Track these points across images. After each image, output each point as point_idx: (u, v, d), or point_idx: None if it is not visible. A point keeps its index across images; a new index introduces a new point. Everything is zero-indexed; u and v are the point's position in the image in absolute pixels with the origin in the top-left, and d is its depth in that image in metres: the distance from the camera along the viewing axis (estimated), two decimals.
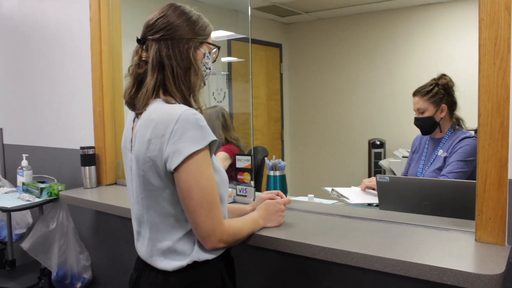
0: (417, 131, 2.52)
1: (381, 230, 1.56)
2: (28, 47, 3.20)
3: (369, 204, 2.32)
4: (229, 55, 4.81)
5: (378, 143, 5.47)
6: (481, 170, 1.37)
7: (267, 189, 2.11)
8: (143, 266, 1.38)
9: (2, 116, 3.50)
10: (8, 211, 2.51)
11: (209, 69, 1.43)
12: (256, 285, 1.90)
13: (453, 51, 5.06)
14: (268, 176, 2.12)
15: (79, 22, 2.76)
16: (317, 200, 2.45)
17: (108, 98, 2.69)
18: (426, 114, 2.39)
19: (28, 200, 2.57)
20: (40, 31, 3.07)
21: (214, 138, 1.25)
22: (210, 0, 3.97)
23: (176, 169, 1.21)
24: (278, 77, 6.29)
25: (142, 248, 1.37)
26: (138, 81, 1.34)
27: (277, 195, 1.65)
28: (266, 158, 2.17)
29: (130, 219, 1.45)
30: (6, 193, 2.84)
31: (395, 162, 4.74)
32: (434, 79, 2.44)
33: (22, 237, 3.01)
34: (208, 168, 1.24)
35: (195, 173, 1.21)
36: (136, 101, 1.33)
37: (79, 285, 2.66)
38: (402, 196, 1.98)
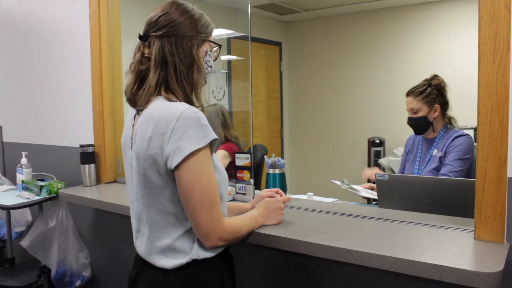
0: (412, 131, 2.53)
1: (381, 228, 1.57)
2: (27, 46, 3.20)
3: (371, 201, 2.33)
4: (229, 53, 4.81)
5: (377, 141, 5.47)
6: (480, 168, 1.37)
7: (267, 187, 2.11)
8: (142, 264, 1.38)
9: (1, 114, 3.50)
10: (7, 209, 2.51)
11: (211, 67, 1.43)
12: (255, 283, 1.90)
13: (453, 49, 5.06)
14: (268, 174, 2.12)
15: (79, 21, 2.75)
16: (316, 198, 2.45)
17: (108, 96, 2.69)
18: (420, 114, 2.42)
19: (27, 198, 2.57)
20: (40, 30, 3.07)
21: (215, 136, 1.25)
22: None
23: (177, 167, 1.21)
24: (277, 75, 6.29)
25: (141, 246, 1.37)
26: (140, 78, 1.34)
27: (277, 193, 1.66)
28: (265, 156, 2.17)
29: (129, 217, 1.45)
30: (5, 191, 2.84)
31: (395, 160, 4.74)
32: (427, 80, 2.47)
33: (21, 235, 3.01)
34: (209, 166, 1.24)
35: (196, 172, 1.21)
36: (137, 98, 1.33)
37: (78, 283, 2.66)
38: (402, 194, 1.99)
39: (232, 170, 2.18)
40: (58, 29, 2.94)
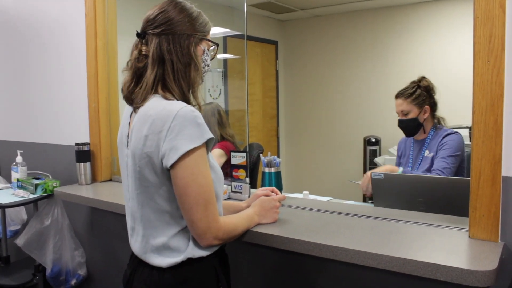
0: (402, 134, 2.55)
1: (376, 226, 1.57)
2: (22, 43, 3.19)
3: (367, 200, 2.34)
4: (225, 52, 4.80)
5: (373, 140, 5.48)
6: (475, 167, 1.38)
7: (262, 185, 2.11)
8: (137, 263, 1.37)
9: None
10: (2, 207, 2.51)
11: (208, 66, 1.43)
12: (250, 281, 1.91)
13: (448, 49, 5.07)
14: (263, 173, 2.12)
15: (74, 18, 2.75)
16: (312, 197, 2.45)
17: (103, 94, 2.68)
18: (410, 116, 2.43)
19: (22, 197, 2.56)
20: (35, 27, 3.06)
21: (211, 135, 1.25)
22: None
23: (173, 166, 1.21)
24: (273, 74, 6.29)
25: (136, 244, 1.37)
26: (137, 75, 1.34)
27: (272, 192, 1.66)
28: (261, 155, 2.17)
29: (125, 216, 1.45)
30: (0, 189, 2.83)
31: (390, 159, 4.75)
32: (415, 82, 2.48)
33: (16, 233, 3.00)
34: (204, 165, 1.24)
35: (192, 171, 1.21)
36: (134, 95, 1.33)
37: (74, 281, 2.66)
38: (397, 193, 1.99)
39: (228, 168, 2.18)
40: (53, 27, 2.94)
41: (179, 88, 1.31)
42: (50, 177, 2.84)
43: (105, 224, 2.63)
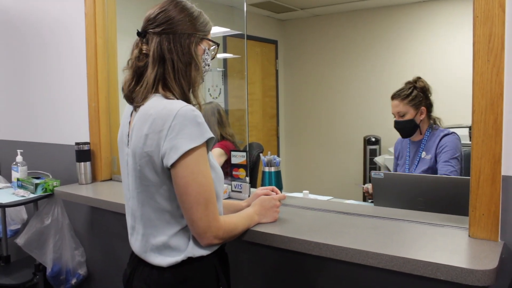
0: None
1: (376, 226, 1.57)
2: (22, 42, 3.19)
3: (367, 199, 2.34)
4: (225, 51, 4.80)
5: (373, 139, 5.48)
6: (475, 167, 1.38)
7: (262, 185, 2.12)
8: (137, 262, 1.37)
9: None
10: (2, 206, 2.51)
11: (208, 65, 1.43)
12: (251, 280, 1.91)
13: (448, 48, 5.07)
14: (263, 172, 2.12)
15: (74, 17, 2.74)
16: (312, 196, 2.46)
17: (103, 93, 2.68)
18: (407, 117, 2.42)
19: (23, 196, 2.56)
20: (35, 26, 3.06)
21: (212, 135, 1.25)
22: None
23: (173, 165, 1.21)
24: (273, 74, 6.29)
25: (136, 243, 1.37)
26: (137, 74, 1.34)
27: (272, 191, 1.66)
28: (261, 154, 2.17)
29: (125, 215, 1.45)
30: (0, 188, 2.83)
31: (390, 158, 4.75)
32: (411, 82, 2.47)
33: (16, 233, 3.00)
34: (205, 165, 1.24)
35: (192, 170, 1.21)
36: (135, 94, 1.33)
37: (74, 281, 2.66)
38: (397, 192, 1.99)
39: (228, 168, 2.18)
40: (53, 26, 2.93)
41: (179, 88, 1.31)
42: (50, 177, 2.85)
43: (105, 224, 2.63)
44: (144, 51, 1.32)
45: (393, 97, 2.47)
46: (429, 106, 2.45)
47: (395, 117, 2.48)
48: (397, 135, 2.57)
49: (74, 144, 2.64)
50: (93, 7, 2.63)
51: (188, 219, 1.25)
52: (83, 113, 2.74)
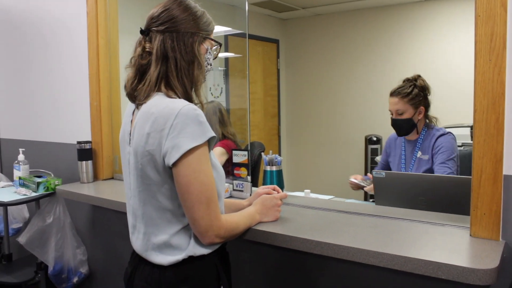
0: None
1: (377, 225, 1.57)
2: (24, 42, 3.19)
3: (368, 198, 2.34)
4: (226, 50, 4.80)
5: (374, 139, 5.48)
6: (476, 166, 1.38)
7: (264, 184, 2.12)
8: (138, 261, 1.38)
9: None
10: (4, 205, 2.52)
11: (210, 65, 1.44)
12: (252, 280, 1.91)
13: (449, 47, 5.06)
14: (265, 171, 2.12)
15: (76, 17, 2.75)
16: (313, 195, 2.46)
17: (105, 92, 2.68)
18: (405, 116, 2.38)
19: (24, 195, 2.57)
20: (37, 26, 3.06)
21: (213, 134, 1.26)
22: None
23: (175, 164, 1.21)
24: (275, 73, 6.28)
25: (137, 242, 1.37)
26: (140, 72, 1.34)
27: (274, 190, 1.66)
28: (262, 153, 2.17)
29: (126, 214, 1.45)
30: (2, 187, 2.83)
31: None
32: (410, 80, 2.43)
33: (18, 231, 3.01)
34: (206, 163, 1.25)
35: (194, 169, 1.21)
36: (137, 92, 1.33)
37: (75, 279, 2.66)
38: (398, 192, 1.99)
39: (230, 167, 2.18)
40: (55, 26, 2.94)
41: (182, 86, 1.31)
42: (52, 175, 2.85)
43: (107, 222, 2.63)
44: (147, 49, 1.32)
45: (393, 94, 2.43)
46: (427, 106, 2.43)
47: (392, 114, 2.44)
48: None
49: (76, 143, 2.64)
50: (94, 6, 2.63)
51: (190, 218, 1.26)
52: (85, 112, 2.74)
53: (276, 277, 1.84)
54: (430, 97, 2.44)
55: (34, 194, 2.58)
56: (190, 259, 1.30)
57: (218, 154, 2.71)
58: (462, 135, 3.87)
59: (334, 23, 5.92)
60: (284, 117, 6.46)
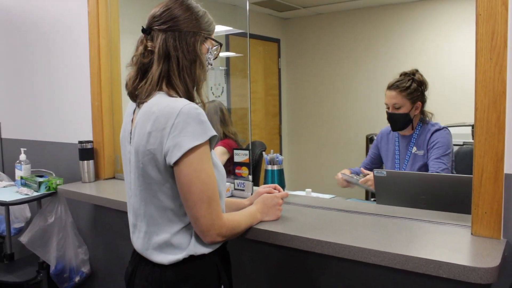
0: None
1: (378, 224, 1.57)
2: (26, 42, 3.20)
3: (369, 197, 2.33)
4: (227, 50, 4.80)
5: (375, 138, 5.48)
6: (477, 165, 1.38)
7: (265, 183, 2.12)
8: (139, 260, 1.38)
9: (0, 111, 3.50)
10: (6, 205, 2.52)
11: (211, 64, 1.44)
12: (253, 279, 1.91)
13: (451, 46, 5.06)
14: (266, 171, 2.13)
15: (77, 17, 2.75)
16: (314, 194, 2.46)
17: (106, 92, 2.69)
18: (402, 111, 2.34)
19: (26, 194, 2.57)
20: (38, 26, 3.07)
21: (215, 133, 1.26)
22: None
23: (176, 163, 1.21)
24: (276, 72, 6.28)
25: (138, 241, 1.38)
26: (142, 71, 1.34)
27: (275, 189, 1.66)
28: (264, 153, 2.17)
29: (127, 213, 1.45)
30: (4, 187, 2.84)
31: None
32: (408, 74, 2.38)
33: (20, 231, 3.01)
34: (208, 162, 1.25)
35: (196, 168, 1.22)
36: (138, 91, 1.33)
37: (77, 279, 2.67)
38: (399, 191, 1.99)
39: (231, 166, 2.19)
40: (56, 26, 2.94)
41: (183, 85, 1.31)
42: (54, 175, 2.86)
43: (108, 222, 2.64)
44: (149, 48, 1.32)
45: (391, 87, 2.37)
46: (424, 102, 2.39)
47: (388, 107, 2.40)
48: None
49: (77, 142, 2.65)
50: (96, 6, 2.63)
51: (191, 216, 1.26)
52: (86, 112, 2.75)
53: (277, 276, 1.85)
54: (426, 93, 2.40)
55: (35, 193, 2.58)
56: (191, 259, 1.30)
57: (219, 154, 2.72)
58: (464, 134, 3.87)
59: (335, 22, 5.92)
60: (285, 116, 6.46)
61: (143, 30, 1.36)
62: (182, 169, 1.21)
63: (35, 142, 3.14)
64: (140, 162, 1.28)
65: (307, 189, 2.46)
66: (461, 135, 3.78)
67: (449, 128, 2.40)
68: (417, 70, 2.41)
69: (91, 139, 2.71)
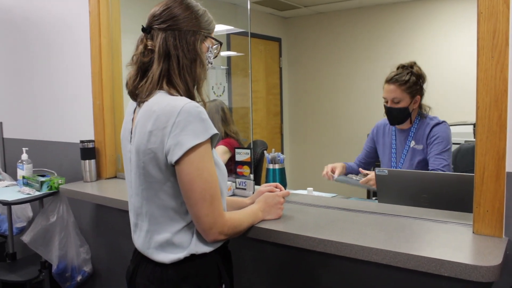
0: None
1: (380, 222, 1.57)
2: (27, 41, 3.20)
3: (371, 196, 2.32)
4: (229, 49, 4.80)
5: None
6: (479, 163, 1.38)
7: (267, 182, 2.12)
8: (140, 259, 1.38)
9: (2, 110, 3.50)
10: (8, 204, 2.52)
11: (211, 63, 1.44)
12: (254, 277, 1.91)
13: (452, 45, 5.05)
14: (268, 170, 2.13)
15: (78, 16, 2.75)
16: (316, 193, 2.46)
17: (108, 91, 2.69)
18: (401, 105, 2.29)
19: (28, 194, 2.58)
20: (39, 25, 3.07)
21: (216, 131, 1.26)
22: None
23: (178, 161, 1.21)
24: (277, 71, 6.29)
25: (139, 240, 1.38)
26: (142, 70, 1.34)
27: (276, 188, 1.66)
28: (265, 152, 2.17)
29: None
30: (6, 186, 2.85)
31: None
32: (406, 67, 2.33)
33: (22, 230, 3.02)
34: (209, 161, 1.25)
35: (197, 166, 1.22)
36: (139, 90, 1.33)
37: (79, 278, 2.67)
38: (401, 189, 1.99)
39: (232, 165, 2.19)
40: (57, 25, 2.94)
41: (184, 84, 1.31)
42: (56, 174, 2.86)
43: (110, 221, 2.64)
44: (149, 47, 1.32)
45: (389, 81, 2.32)
46: (423, 95, 2.34)
47: (386, 101, 2.35)
48: None
49: (79, 142, 2.65)
50: (97, 5, 2.63)
51: (193, 215, 1.26)
52: (88, 111, 2.75)
53: (279, 275, 1.85)
54: (425, 86, 2.35)
55: (37, 193, 2.59)
56: (192, 257, 1.30)
57: (220, 153, 2.72)
58: (465, 133, 3.87)
59: (336, 21, 5.92)
60: (287, 115, 6.46)
61: (143, 29, 1.36)
62: (184, 167, 1.21)
63: (37, 141, 3.15)
64: (141, 161, 1.28)
65: (308, 188, 2.47)
66: (462, 134, 3.77)
67: (450, 127, 2.39)
68: (415, 63, 2.36)
69: (92, 138, 2.72)
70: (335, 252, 1.36)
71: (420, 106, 2.35)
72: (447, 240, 1.37)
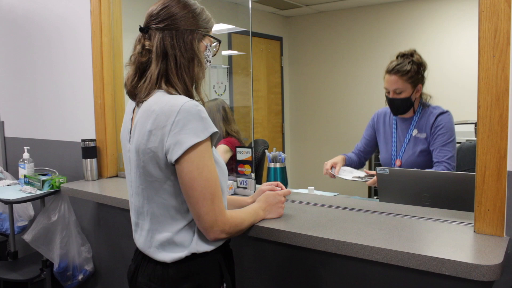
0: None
1: (381, 221, 1.57)
2: (28, 40, 3.20)
3: (372, 195, 2.32)
4: (230, 48, 4.80)
5: None
6: (480, 162, 1.38)
7: (268, 181, 2.12)
8: (142, 258, 1.38)
9: (3, 109, 3.51)
10: (10, 203, 2.53)
11: (210, 62, 1.44)
12: (255, 276, 1.91)
13: (454, 44, 5.05)
14: (269, 168, 2.13)
15: (80, 15, 2.76)
16: (317, 192, 2.46)
17: (109, 90, 2.69)
18: (403, 95, 2.25)
19: (30, 193, 2.58)
20: (41, 24, 3.07)
21: (216, 129, 1.26)
22: None
23: (178, 160, 1.21)
24: (278, 70, 6.29)
25: (140, 239, 1.38)
26: (140, 70, 1.34)
27: (277, 187, 1.66)
28: (266, 151, 2.17)
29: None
30: (8, 185, 2.85)
31: None
32: (406, 55, 2.29)
33: (24, 229, 3.02)
34: (210, 159, 1.25)
35: (198, 165, 1.22)
36: (138, 90, 1.33)
37: (80, 277, 2.68)
38: (402, 188, 1.99)
39: (233, 164, 2.19)
40: (59, 24, 2.95)
41: (182, 83, 1.31)
42: (57, 173, 2.86)
43: (111, 220, 2.64)
44: (147, 47, 1.32)
45: (391, 71, 2.27)
46: (423, 83, 2.30)
47: (388, 92, 2.32)
48: None
49: (80, 141, 2.65)
50: (98, 4, 2.63)
51: (194, 214, 1.26)
52: (89, 110, 2.75)
53: (280, 273, 1.85)
54: (426, 74, 2.31)
55: (39, 192, 2.59)
56: (193, 256, 1.31)
57: (221, 152, 2.72)
58: (467, 132, 3.87)
59: (338, 20, 5.91)
60: (288, 114, 6.46)
61: (141, 29, 1.36)
62: (184, 166, 1.21)
63: (38, 140, 3.15)
64: (141, 161, 1.28)
65: (309, 187, 2.47)
66: (464, 133, 3.77)
67: None
68: (415, 50, 2.31)
69: (94, 137, 2.72)
70: (336, 251, 1.36)
71: (421, 95, 2.32)
72: (448, 239, 1.37)
